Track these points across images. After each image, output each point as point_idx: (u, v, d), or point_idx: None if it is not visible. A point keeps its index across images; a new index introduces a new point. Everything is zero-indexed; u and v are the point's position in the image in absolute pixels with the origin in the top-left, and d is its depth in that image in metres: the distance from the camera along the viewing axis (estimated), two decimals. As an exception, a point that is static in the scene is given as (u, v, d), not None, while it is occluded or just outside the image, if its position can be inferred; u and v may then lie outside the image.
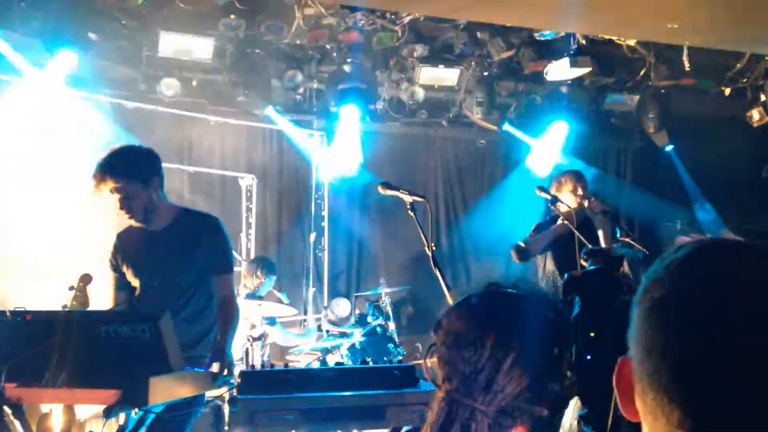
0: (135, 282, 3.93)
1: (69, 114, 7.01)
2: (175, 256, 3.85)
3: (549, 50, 8.09)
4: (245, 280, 6.85)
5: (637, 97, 9.10)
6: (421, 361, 2.07)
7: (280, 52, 7.82)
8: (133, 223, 3.86)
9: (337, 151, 8.52)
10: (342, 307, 8.22)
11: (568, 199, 5.49)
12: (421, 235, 3.63)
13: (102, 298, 4.03)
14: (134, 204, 3.76)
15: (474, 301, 1.76)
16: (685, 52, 7.83)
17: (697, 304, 0.86)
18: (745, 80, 8.82)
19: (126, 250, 3.97)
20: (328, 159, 8.68)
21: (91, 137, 6.94)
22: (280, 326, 6.90)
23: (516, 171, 9.38)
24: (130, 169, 3.73)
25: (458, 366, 1.69)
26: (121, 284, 3.96)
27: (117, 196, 3.72)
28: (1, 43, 6.50)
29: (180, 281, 3.84)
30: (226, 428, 4.19)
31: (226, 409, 4.24)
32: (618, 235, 5.53)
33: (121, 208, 3.76)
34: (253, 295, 6.64)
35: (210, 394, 3.78)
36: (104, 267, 4.08)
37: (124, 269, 3.95)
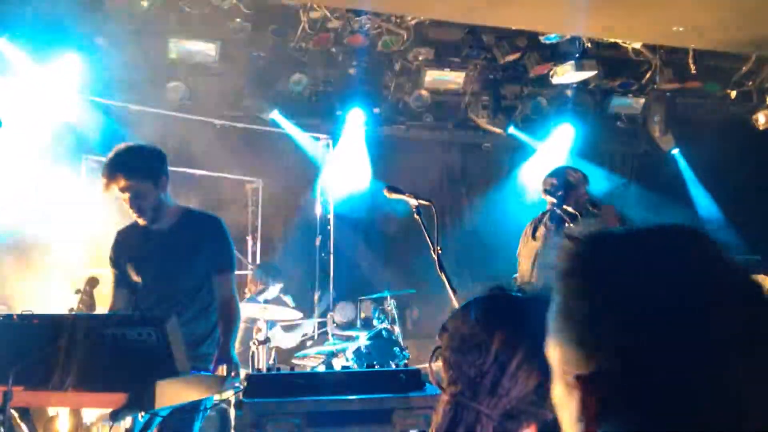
0: (137, 280, 3.91)
1: (76, 117, 7.04)
2: (179, 256, 3.84)
3: (554, 53, 8.10)
4: (250, 284, 6.85)
5: (642, 101, 9.10)
6: (427, 365, 2.07)
7: (285, 56, 7.83)
8: (139, 221, 3.85)
9: (343, 154, 8.53)
10: (347, 310, 8.22)
11: (572, 198, 5.46)
12: (427, 238, 3.62)
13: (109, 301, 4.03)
14: (144, 203, 3.75)
15: (478, 304, 1.76)
16: (691, 55, 7.82)
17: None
18: (751, 83, 8.81)
19: (128, 248, 3.95)
20: (334, 164, 8.70)
21: (96, 141, 6.99)
22: (279, 329, 6.91)
23: (522, 174, 9.37)
24: (142, 168, 3.72)
25: (463, 369, 1.69)
26: (122, 282, 3.94)
27: (126, 195, 3.71)
28: (9, 46, 6.54)
29: (183, 281, 3.84)
30: (233, 432, 4.20)
31: (232, 412, 4.25)
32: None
33: (131, 206, 3.75)
34: (255, 300, 6.65)
35: (216, 397, 3.78)
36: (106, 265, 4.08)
37: (126, 267, 3.93)
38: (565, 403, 0.95)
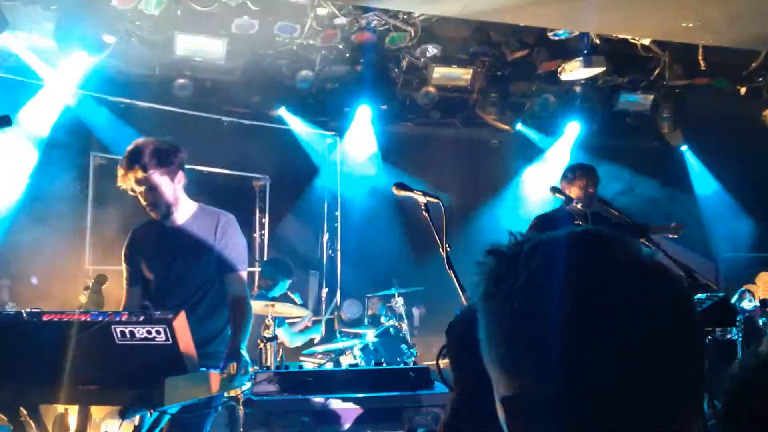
0: (150, 277, 3.93)
1: (83, 114, 7.06)
2: (192, 253, 3.85)
3: (563, 50, 8.06)
4: (259, 280, 6.84)
5: (651, 97, 9.05)
6: (435, 363, 2.06)
7: (292, 53, 7.82)
8: (153, 215, 3.85)
9: (351, 151, 8.53)
10: (355, 308, 8.22)
11: (578, 195, 5.41)
12: (436, 236, 3.61)
13: (118, 298, 4.04)
14: (159, 197, 3.75)
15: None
16: (701, 51, 7.77)
17: None
18: (760, 79, 8.75)
19: (143, 245, 3.97)
20: (341, 161, 8.70)
21: (104, 139, 7.00)
22: (286, 327, 6.90)
23: (529, 171, 9.35)
24: (159, 162, 3.72)
25: (471, 368, 1.68)
26: (135, 279, 3.95)
27: (142, 188, 3.72)
28: (17, 45, 6.55)
29: (196, 278, 3.85)
30: (242, 430, 4.20)
31: (242, 410, 4.25)
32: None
33: (146, 200, 3.76)
34: (264, 296, 6.63)
35: (225, 394, 3.78)
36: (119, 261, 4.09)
37: (140, 264, 3.95)
38: (503, 422, 0.93)
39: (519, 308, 0.88)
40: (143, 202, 3.79)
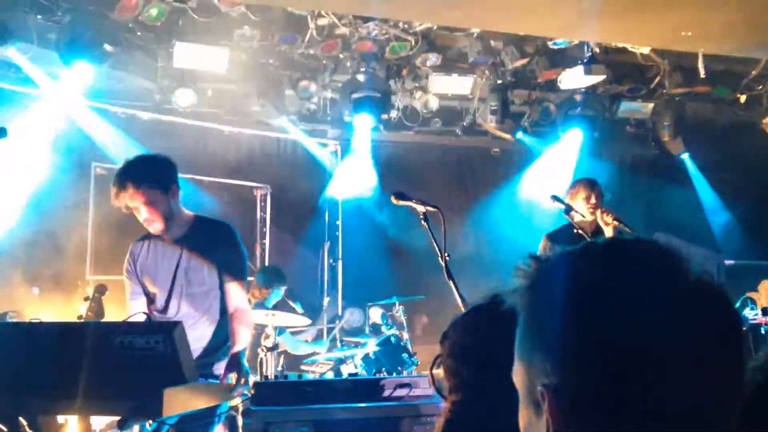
0: (153, 290, 3.95)
1: (85, 125, 7.08)
2: (193, 265, 3.87)
3: (563, 58, 8.08)
4: (253, 290, 6.83)
5: (651, 105, 9.07)
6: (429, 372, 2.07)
7: (293, 62, 7.85)
8: (151, 230, 3.87)
9: (351, 160, 8.56)
10: (356, 316, 8.21)
11: (581, 208, 5.44)
12: (434, 245, 3.61)
13: (118, 308, 4.05)
14: (154, 213, 3.77)
15: (479, 312, 1.76)
16: (700, 59, 7.78)
17: None
18: (760, 87, 8.76)
19: (143, 259, 3.98)
20: (342, 169, 8.71)
21: (106, 149, 7.02)
22: (289, 335, 6.90)
23: (530, 179, 9.35)
24: (150, 178, 3.75)
25: (464, 377, 1.69)
26: (137, 293, 3.97)
27: (137, 205, 3.74)
28: (19, 55, 6.57)
29: (198, 289, 3.86)
30: (241, 439, 4.20)
31: (241, 419, 4.25)
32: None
33: (142, 216, 3.78)
34: (261, 305, 6.63)
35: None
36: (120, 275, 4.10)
37: (142, 278, 3.96)
38: (533, 424, 0.94)
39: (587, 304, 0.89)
40: (140, 219, 3.80)
